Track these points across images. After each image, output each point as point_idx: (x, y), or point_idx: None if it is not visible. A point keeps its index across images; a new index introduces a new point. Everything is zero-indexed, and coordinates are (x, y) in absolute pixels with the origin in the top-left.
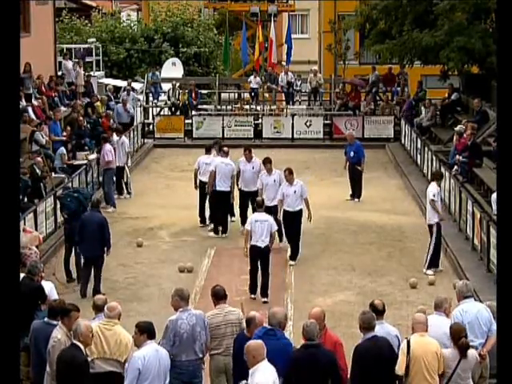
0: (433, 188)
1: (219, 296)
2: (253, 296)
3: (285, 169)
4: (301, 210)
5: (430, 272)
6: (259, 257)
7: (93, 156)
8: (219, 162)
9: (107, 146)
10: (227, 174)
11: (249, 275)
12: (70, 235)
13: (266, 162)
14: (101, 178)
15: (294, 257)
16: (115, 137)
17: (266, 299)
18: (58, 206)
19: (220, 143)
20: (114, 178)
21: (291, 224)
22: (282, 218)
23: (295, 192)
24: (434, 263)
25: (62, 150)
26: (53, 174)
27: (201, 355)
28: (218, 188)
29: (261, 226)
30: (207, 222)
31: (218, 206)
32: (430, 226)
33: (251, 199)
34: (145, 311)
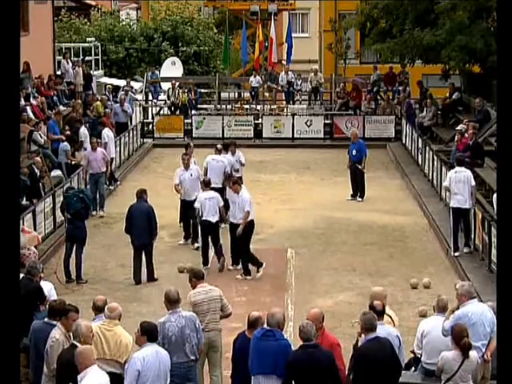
0: (471, 173)
1: (199, 276)
2: (205, 267)
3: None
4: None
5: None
6: (210, 230)
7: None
8: (210, 159)
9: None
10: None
11: (201, 251)
12: (72, 235)
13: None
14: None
15: (246, 271)
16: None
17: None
18: (58, 205)
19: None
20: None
21: (235, 237)
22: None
23: (238, 204)
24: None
25: (66, 145)
26: (53, 173)
27: (192, 357)
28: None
29: (209, 203)
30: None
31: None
32: (467, 210)
33: (191, 209)
34: (145, 312)
